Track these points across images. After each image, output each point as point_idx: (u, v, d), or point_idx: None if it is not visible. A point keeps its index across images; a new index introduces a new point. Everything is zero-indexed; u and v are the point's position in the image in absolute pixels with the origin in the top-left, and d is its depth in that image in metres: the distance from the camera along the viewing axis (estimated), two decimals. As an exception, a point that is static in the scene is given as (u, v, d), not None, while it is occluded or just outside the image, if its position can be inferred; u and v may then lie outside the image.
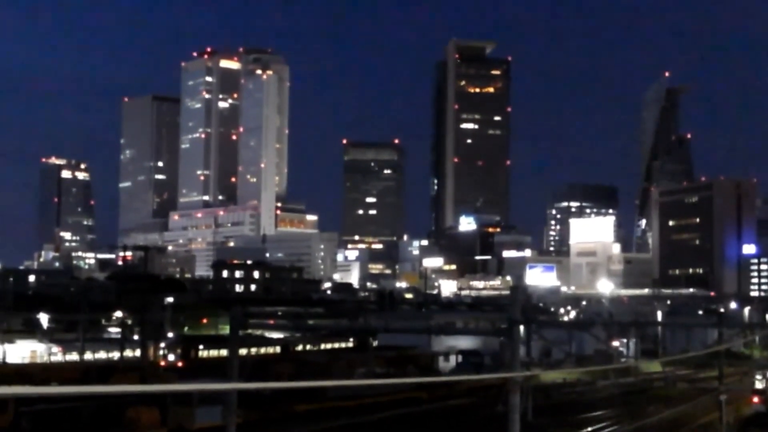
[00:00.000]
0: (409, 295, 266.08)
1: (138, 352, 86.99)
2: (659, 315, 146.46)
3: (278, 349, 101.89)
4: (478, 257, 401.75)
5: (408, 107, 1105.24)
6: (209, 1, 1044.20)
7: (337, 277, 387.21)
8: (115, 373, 70.26)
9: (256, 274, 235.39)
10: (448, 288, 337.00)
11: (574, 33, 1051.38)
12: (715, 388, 65.68)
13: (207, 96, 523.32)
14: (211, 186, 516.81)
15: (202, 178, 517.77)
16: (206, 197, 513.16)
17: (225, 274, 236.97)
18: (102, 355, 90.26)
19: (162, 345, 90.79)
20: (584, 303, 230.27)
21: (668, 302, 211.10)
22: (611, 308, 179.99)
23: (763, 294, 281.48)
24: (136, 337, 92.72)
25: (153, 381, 63.74)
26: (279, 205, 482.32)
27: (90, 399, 50.45)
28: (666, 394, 76.43)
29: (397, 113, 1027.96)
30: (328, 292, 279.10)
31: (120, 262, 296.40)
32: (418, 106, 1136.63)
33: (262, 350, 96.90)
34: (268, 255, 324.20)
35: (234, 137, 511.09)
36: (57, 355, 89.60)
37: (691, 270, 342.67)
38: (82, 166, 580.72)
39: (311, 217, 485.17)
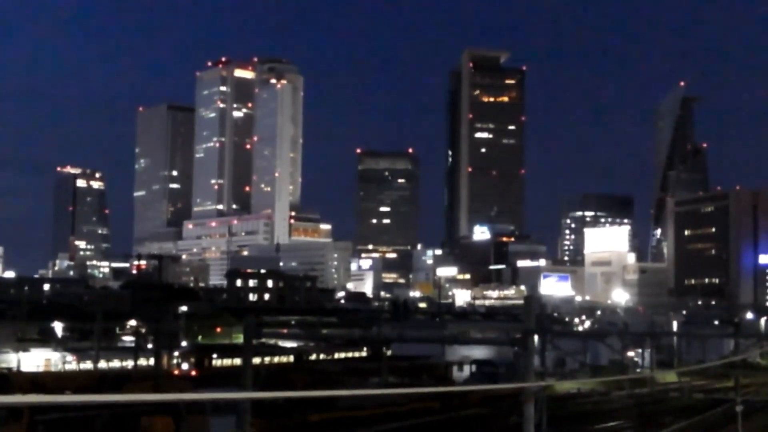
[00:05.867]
0: (422, 305, 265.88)
1: (152, 361, 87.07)
2: (675, 325, 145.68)
3: (292, 358, 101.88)
4: (492, 267, 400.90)
5: (422, 117, 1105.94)
6: (224, 11, 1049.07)
7: (350, 286, 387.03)
8: (129, 381, 70.37)
9: (269, 283, 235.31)
10: (462, 297, 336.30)
11: (588, 42, 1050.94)
12: (731, 399, 65.15)
13: (221, 105, 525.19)
14: (225, 195, 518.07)
15: (216, 187, 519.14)
16: (220, 206, 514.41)
17: (239, 283, 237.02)
18: (116, 363, 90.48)
19: (176, 354, 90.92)
20: (599, 313, 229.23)
21: (684, 312, 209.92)
22: (626, 318, 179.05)
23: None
24: (150, 346, 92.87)
25: (167, 390, 63.79)
26: (293, 214, 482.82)
27: (104, 407, 50.48)
28: (682, 405, 75.85)
29: (411, 123, 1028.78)
30: (342, 301, 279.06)
31: (134, 271, 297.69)
32: (433, 115, 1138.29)
33: (276, 359, 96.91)
34: (281, 264, 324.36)
35: (248, 146, 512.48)
36: (71, 363, 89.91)
37: (707, 280, 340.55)
38: (97, 175, 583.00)
39: (325, 226, 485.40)
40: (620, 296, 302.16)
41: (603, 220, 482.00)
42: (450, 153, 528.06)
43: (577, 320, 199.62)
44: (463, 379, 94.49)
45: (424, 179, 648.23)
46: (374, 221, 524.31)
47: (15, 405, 10.85)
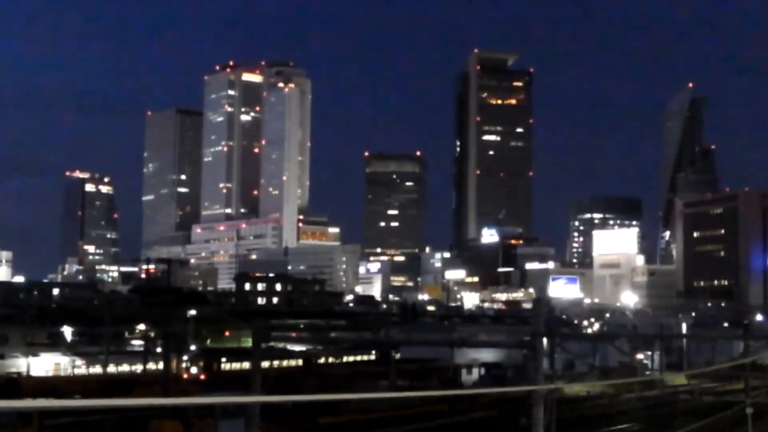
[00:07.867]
0: (431, 308, 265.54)
1: (161, 365, 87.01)
2: (684, 327, 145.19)
3: (300, 361, 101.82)
4: (500, 269, 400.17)
5: (430, 119, 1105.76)
6: (232, 14, 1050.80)
7: (359, 289, 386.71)
8: (138, 385, 70.41)
9: (278, 287, 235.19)
10: (470, 300, 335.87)
11: (596, 44, 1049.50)
12: (741, 401, 64.89)
13: (229, 109, 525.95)
14: (234, 199, 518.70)
15: (224, 191, 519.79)
16: (228, 210, 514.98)
17: (247, 286, 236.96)
18: (125, 367, 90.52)
19: (185, 358, 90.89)
20: (608, 315, 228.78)
21: (693, 314, 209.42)
22: (635, 320, 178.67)
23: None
24: (159, 350, 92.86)
25: (176, 394, 63.82)
26: (301, 217, 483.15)
27: (113, 411, 50.57)
28: (691, 407, 75.60)
29: (419, 125, 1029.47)
30: (351, 304, 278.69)
31: (143, 275, 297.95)
32: (440, 118, 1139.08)
33: (285, 363, 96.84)
34: (290, 267, 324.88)
35: (256, 150, 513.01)
36: (81, 367, 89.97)
37: (716, 282, 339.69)
38: (106, 179, 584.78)
39: (333, 230, 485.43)
40: (629, 298, 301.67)
41: (611, 222, 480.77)
42: (458, 156, 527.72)
43: (585, 323, 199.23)
44: (472, 382, 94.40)
45: (432, 182, 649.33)
46: (382, 224, 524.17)
47: (25, 410, 10.88)
